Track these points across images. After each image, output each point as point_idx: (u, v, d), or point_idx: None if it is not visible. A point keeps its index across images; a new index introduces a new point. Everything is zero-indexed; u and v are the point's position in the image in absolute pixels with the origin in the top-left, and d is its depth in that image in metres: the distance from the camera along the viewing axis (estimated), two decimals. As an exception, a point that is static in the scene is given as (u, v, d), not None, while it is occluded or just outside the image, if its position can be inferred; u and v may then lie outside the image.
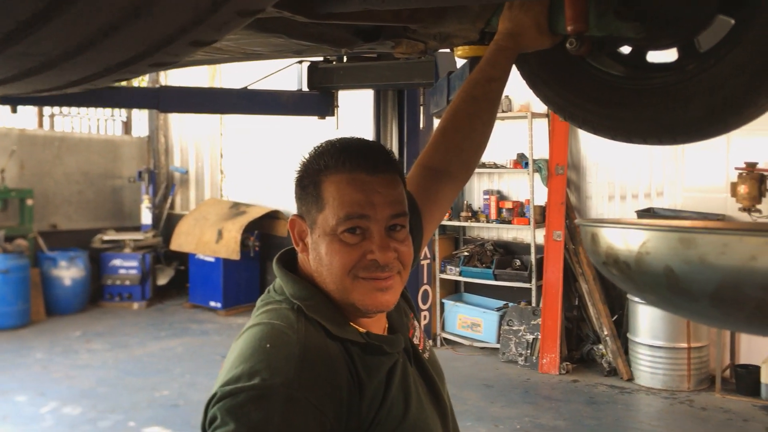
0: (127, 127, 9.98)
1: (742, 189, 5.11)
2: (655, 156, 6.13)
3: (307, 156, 1.19)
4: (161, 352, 6.74)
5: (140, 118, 9.98)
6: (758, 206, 5.16)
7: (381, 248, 1.10)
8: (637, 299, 5.74)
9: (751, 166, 5.18)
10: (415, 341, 1.27)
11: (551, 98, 1.66)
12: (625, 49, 1.65)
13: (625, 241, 0.75)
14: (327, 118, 2.96)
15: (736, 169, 5.28)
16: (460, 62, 2.50)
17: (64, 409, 5.21)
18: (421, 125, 2.82)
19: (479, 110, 1.50)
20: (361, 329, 1.14)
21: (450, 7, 1.60)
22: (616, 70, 1.60)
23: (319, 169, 1.14)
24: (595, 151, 6.46)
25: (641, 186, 6.30)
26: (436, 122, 3.57)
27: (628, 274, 0.78)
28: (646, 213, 5.92)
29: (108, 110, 9.50)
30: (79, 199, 9.07)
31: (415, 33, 1.71)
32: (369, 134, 2.99)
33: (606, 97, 1.59)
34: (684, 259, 0.71)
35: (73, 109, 9.20)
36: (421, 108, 2.82)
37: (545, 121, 6.55)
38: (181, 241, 8.56)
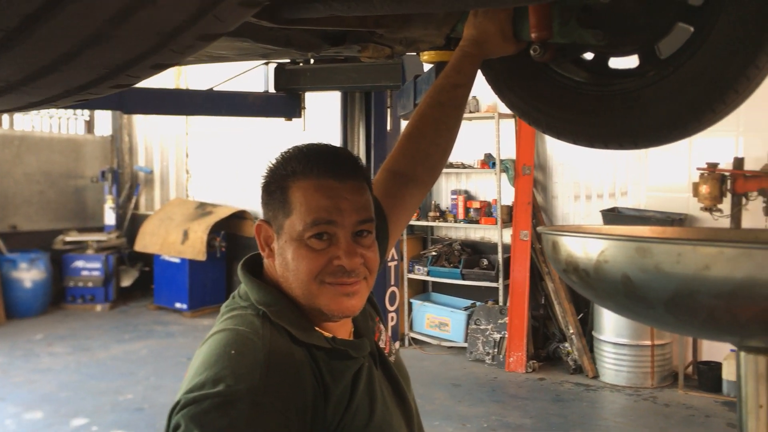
0: (89, 126, 9.81)
1: (704, 189, 5.22)
2: (620, 157, 6.24)
3: (274, 161, 1.20)
4: (125, 355, 6.64)
5: (103, 117, 9.81)
6: (719, 206, 5.28)
7: (347, 254, 1.11)
8: (601, 298, 5.83)
9: (712, 167, 5.29)
10: (381, 345, 1.27)
11: (516, 103, 1.68)
12: (588, 56, 1.68)
13: (585, 249, 0.77)
14: (294, 119, 2.96)
15: (698, 169, 5.39)
16: (427, 65, 2.52)
17: (25, 414, 5.10)
18: (389, 127, 2.82)
19: (445, 116, 1.52)
20: (326, 334, 1.14)
21: (412, 13, 1.60)
22: (578, 76, 1.62)
23: (287, 175, 1.14)
24: (561, 151, 6.55)
25: (606, 186, 6.40)
26: (404, 124, 3.59)
27: (587, 282, 0.79)
28: (611, 213, 6.02)
29: (70, 109, 9.33)
30: (40, 200, 8.88)
31: (381, 37, 1.72)
32: (336, 136, 2.98)
33: (569, 103, 1.61)
34: (640, 267, 0.72)
35: (34, 108, 9.02)
36: (389, 110, 2.82)
37: (512, 121, 6.61)
38: (145, 242, 8.45)
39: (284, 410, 0.99)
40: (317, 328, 1.14)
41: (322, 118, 4.52)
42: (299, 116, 2.95)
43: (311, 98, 3.00)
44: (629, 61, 1.71)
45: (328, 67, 2.71)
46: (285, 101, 2.93)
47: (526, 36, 1.51)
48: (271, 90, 2.95)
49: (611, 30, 1.50)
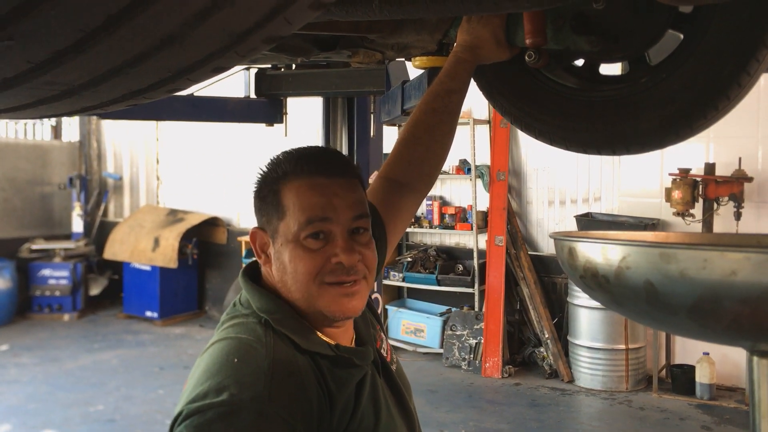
0: (56, 131, 9.62)
1: (676, 194, 5.30)
2: (593, 163, 6.31)
3: (264, 167, 1.18)
4: (94, 365, 6.50)
5: (70, 123, 9.63)
6: (691, 210, 5.37)
7: (345, 250, 1.09)
8: (577, 302, 5.88)
9: (684, 172, 5.38)
10: (383, 352, 1.26)
11: (508, 109, 1.68)
12: (579, 62, 1.69)
13: (605, 255, 0.76)
14: (276, 125, 2.92)
15: (670, 175, 5.47)
16: (412, 71, 2.51)
17: (-8, 428, 4.96)
18: (372, 133, 2.81)
19: (439, 122, 1.51)
20: (329, 341, 1.12)
21: (408, 18, 1.59)
22: (570, 82, 1.63)
23: (278, 178, 1.13)
24: (536, 157, 6.60)
25: (580, 191, 6.47)
26: (387, 130, 3.59)
27: (606, 288, 0.79)
28: (585, 218, 6.08)
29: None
30: (5, 207, 8.66)
31: (372, 43, 1.70)
32: (318, 142, 2.96)
33: (561, 109, 1.62)
34: (664, 273, 0.72)
35: None
36: (372, 116, 2.81)
37: (487, 127, 6.65)
38: (115, 250, 8.30)
39: (289, 419, 0.97)
40: (320, 335, 1.12)
41: (304, 123, 4.49)
42: (281, 122, 2.91)
43: (293, 103, 2.97)
44: (614, 68, 1.73)
45: (311, 73, 2.69)
46: (266, 107, 2.90)
47: (521, 42, 1.51)
48: (252, 95, 2.92)
49: (603, 36, 1.51)
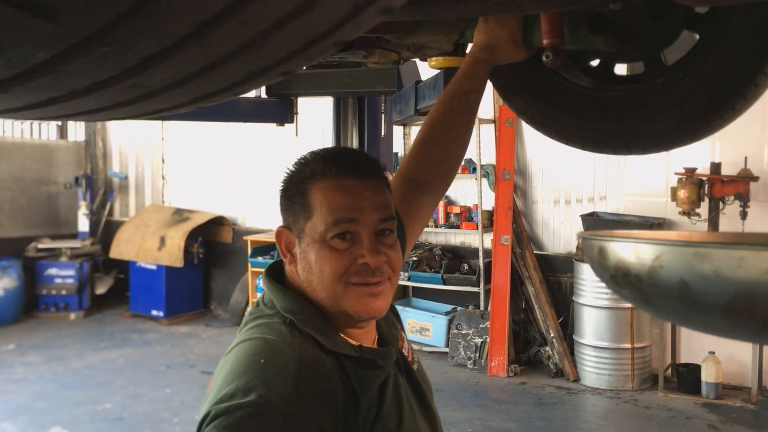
0: (62, 131, 9.64)
1: (682, 193, 5.30)
2: (599, 161, 6.31)
3: (291, 167, 1.19)
4: (101, 364, 6.52)
5: (76, 123, 9.66)
6: (697, 210, 5.37)
7: (371, 252, 1.10)
8: (582, 301, 5.89)
9: (690, 172, 5.38)
10: (404, 353, 1.27)
11: (523, 109, 1.69)
12: (594, 62, 1.69)
13: (638, 255, 0.77)
14: (286, 125, 2.93)
15: (676, 174, 5.48)
16: (423, 71, 2.52)
17: (1, 425, 4.98)
18: (382, 133, 2.81)
19: (457, 122, 1.52)
20: (353, 342, 1.13)
21: (426, 19, 1.60)
22: (586, 82, 1.64)
23: (305, 178, 1.14)
24: (541, 156, 6.61)
25: (585, 191, 6.47)
26: (397, 130, 3.58)
27: (638, 287, 0.79)
28: (590, 217, 6.09)
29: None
30: (11, 206, 8.69)
31: (388, 43, 1.71)
32: (328, 142, 2.97)
33: (577, 109, 1.62)
34: (698, 272, 0.73)
35: (5, 112, 8.82)
36: (383, 116, 2.81)
37: (492, 127, 6.65)
38: (121, 249, 8.32)
39: (317, 419, 0.97)
40: (343, 336, 1.13)
41: (314, 123, 4.50)
42: (292, 121, 2.92)
43: (303, 102, 2.98)
44: (633, 68, 1.73)
45: (322, 72, 2.69)
46: (277, 106, 2.90)
47: (538, 42, 1.52)
48: (263, 95, 2.92)
49: (620, 37, 1.52)
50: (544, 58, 1.50)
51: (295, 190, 1.15)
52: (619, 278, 0.82)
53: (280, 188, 1.19)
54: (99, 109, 0.55)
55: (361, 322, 1.15)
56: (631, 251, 0.78)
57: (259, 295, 1.24)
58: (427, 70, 2.23)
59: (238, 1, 0.41)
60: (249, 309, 1.21)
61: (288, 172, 1.19)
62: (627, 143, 1.60)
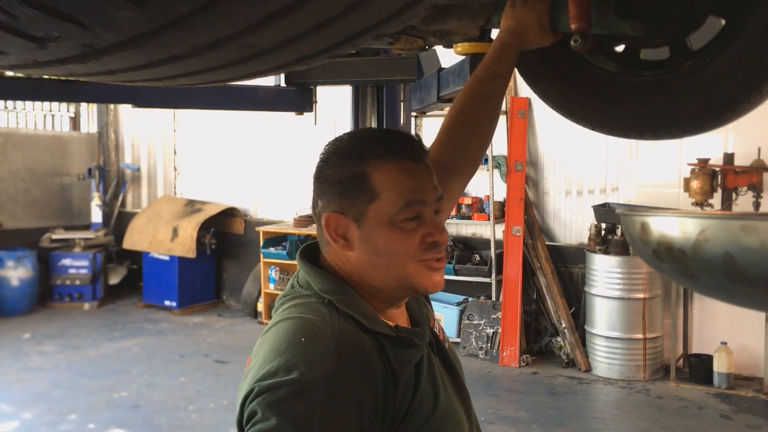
0: (75, 122, 9.69)
1: (695, 184, 5.30)
2: (611, 152, 6.31)
3: (332, 151, 1.18)
4: (116, 353, 6.59)
5: (89, 114, 9.70)
6: (710, 201, 5.37)
7: (438, 230, 1.15)
8: (594, 292, 5.90)
9: (703, 162, 5.38)
10: (436, 332, 1.29)
11: (549, 94, 1.70)
12: (619, 48, 1.70)
13: (683, 229, 0.79)
14: (305, 114, 2.95)
15: (689, 164, 5.47)
16: (444, 59, 2.53)
17: (20, 413, 5.04)
18: (401, 122, 2.83)
19: (485, 106, 1.53)
20: (390, 323, 1.15)
21: (453, 3, 1.62)
22: (612, 67, 1.65)
23: (362, 161, 1.14)
24: (553, 148, 6.61)
25: (597, 181, 6.47)
26: (413, 119, 3.58)
27: (682, 261, 0.81)
28: (602, 208, 6.09)
29: (54, 105, 9.20)
30: (25, 198, 8.75)
31: (414, 29, 1.72)
32: (347, 130, 2.99)
33: (603, 94, 1.64)
34: (744, 245, 0.74)
35: (18, 104, 8.88)
36: (402, 104, 2.83)
37: (504, 118, 6.65)
38: (134, 240, 8.38)
39: (358, 398, 0.99)
40: (381, 317, 1.15)
41: (332, 111, 4.51)
42: (311, 110, 2.94)
43: (321, 91, 3.00)
44: (657, 53, 1.74)
45: (341, 61, 2.71)
46: (296, 95, 2.92)
47: (565, 27, 1.52)
48: (282, 84, 2.94)
49: (647, 21, 1.53)
50: (572, 42, 1.51)
51: (350, 174, 1.14)
52: (662, 252, 0.83)
53: (325, 173, 1.18)
54: (207, 69, 0.57)
55: (402, 301, 1.19)
56: (676, 225, 0.80)
57: (290, 277, 1.25)
58: (447, 58, 2.24)
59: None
60: (284, 290, 1.23)
61: (328, 156, 1.18)
62: (653, 128, 1.61)
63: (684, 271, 0.83)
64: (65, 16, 0.44)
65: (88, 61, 0.52)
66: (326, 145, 1.21)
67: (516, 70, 1.75)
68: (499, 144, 6.64)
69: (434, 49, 2.51)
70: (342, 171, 1.15)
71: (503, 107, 6.61)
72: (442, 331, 1.34)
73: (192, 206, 8.42)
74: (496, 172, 6.66)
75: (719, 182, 5.39)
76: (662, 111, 1.57)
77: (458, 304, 6.79)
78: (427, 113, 5.15)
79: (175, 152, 9.19)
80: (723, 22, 1.56)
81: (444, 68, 2.14)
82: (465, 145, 1.53)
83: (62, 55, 0.52)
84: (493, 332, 6.36)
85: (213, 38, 0.47)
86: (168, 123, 9.12)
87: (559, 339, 6.26)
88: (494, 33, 1.79)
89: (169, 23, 0.45)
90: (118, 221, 9.22)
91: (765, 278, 0.75)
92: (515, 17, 1.54)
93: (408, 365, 1.11)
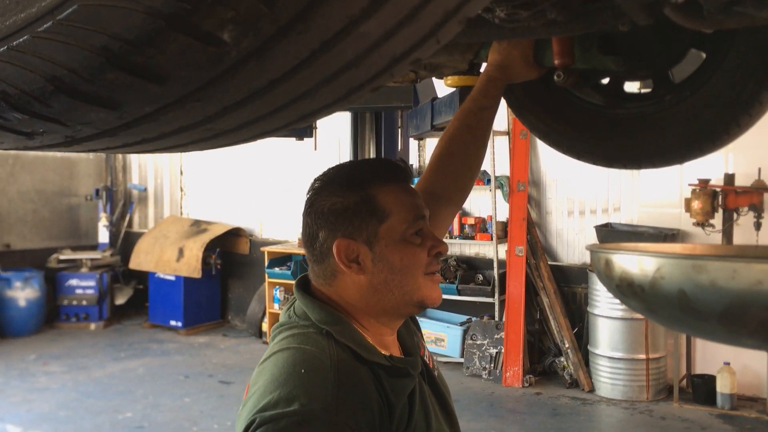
0: (83, 144, 9.80)
1: (696, 204, 5.33)
2: (612, 172, 6.34)
3: (325, 186, 1.22)
4: (121, 374, 6.62)
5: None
6: (711, 221, 5.39)
7: (440, 242, 1.23)
8: (597, 312, 5.91)
9: (703, 183, 5.41)
10: (426, 360, 1.32)
11: (536, 125, 1.75)
12: (604, 80, 1.76)
13: (641, 266, 0.83)
14: (305, 139, 3.01)
15: (690, 185, 5.50)
16: (439, 87, 2.59)
17: (25, 434, 5.08)
18: (399, 148, 2.89)
19: (473, 137, 1.59)
20: (384, 352, 1.18)
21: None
22: (596, 99, 1.70)
23: (364, 186, 1.19)
24: (555, 168, 6.65)
25: (599, 202, 6.50)
26: (412, 144, 3.64)
27: (641, 297, 0.86)
28: (604, 228, 6.12)
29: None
30: (34, 218, 8.86)
31: (406, 63, 1.78)
32: (346, 156, 3.05)
33: (588, 125, 1.69)
34: (696, 283, 0.79)
35: (28, 126, 9.00)
36: (399, 131, 2.89)
37: (506, 138, 6.71)
38: (140, 260, 8.44)
39: (357, 429, 1.01)
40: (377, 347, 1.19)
41: (332, 137, 4.58)
42: (311, 136, 3.00)
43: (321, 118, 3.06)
44: (641, 85, 1.80)
45: (340, 89, 2.77)
46: (296, 121, 2.99)
47: (549, 62, 1.58)
48: (283, 110, 3.00)
49: (629, 56, 1.58)
50: (555, 77, 1.56)
51: (357, 198, 1.18)
52: (624, 288, 0.88)
53: (318, 206, 1.21)
54: (177, 145, 0.63)
55: (400, 323, 1.25)
56: (635, 263, 0.85)
57: (282, 308, 1.29)
58: (442, 86, 2.30)
59: (300, 64, 0.49)
60: (280, 319, 1.27)
61: (320, 190, 1.22)
62: (636, 159, 1.66)
63: (645, 306, 0.88)
64: (49, 119, 0.51)
65: (71, 145, 0.61)
66: (314, 182, 1.25)
67: (504, 101, 1.81)
68: (501, 164, 6.70)
69: (430, 78, 2.57)
70: (346, 198, 1.18)
71: (506, 128, 6.70)
72: (432, 358, 1.38)
73: (198, 226, 8.50)
74: (499, 192, 6.71)
75: (720, 202, 5.41)
76: (645, 142, 1.62)
77: (462, 323, 6.81)
78: (429, 138, 5.20)
79: (181, 172, 9.29)
80: (704, 55, 1.62)
81: (438, 97, 2.21)
82: (454, 174, 1.58)
83: (48, 143, 0.61)
84: (497, 352, 6.38)
85: (177, 126, 0.53)
86: (175, 144, 9.21)
87: (562, 359, 6.26)
88: (483, 66, 1.85)
89: (137, 119, 0.51)
90: (125, 241, 9.30)
91: (716, 314, 0.79)
92: (502, 52, 1.59)
93: (402, 395, 1.14)
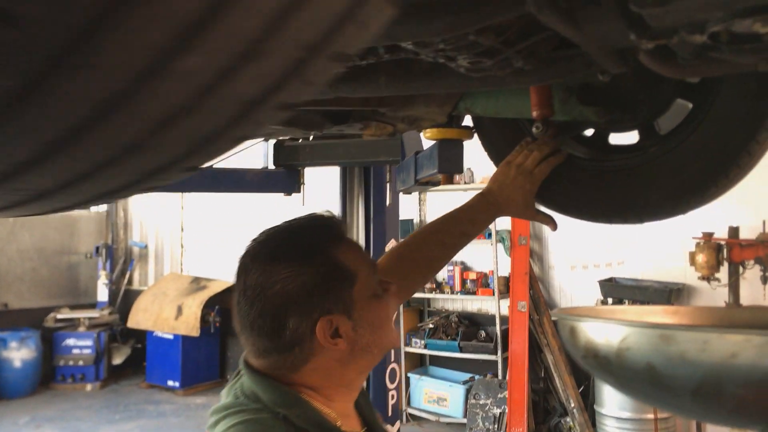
0: (85, 201, 9.82)
1: (701, 258, 5.21)
2: (616, 226, 6.24)
3: (278, 271, 1.07)
4: (115, 437, 6.44)
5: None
6: (717, 275, 5.26)
7: (390, 283, 1.19)
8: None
9: (707, 236, 5.30)
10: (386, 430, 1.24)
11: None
12: (588, 132, 1.70)
13: (606, 336, 0.74)
14: (293, 194, 2.96)
15: (694, 238, 5.40)
16: (426, 140, 2.55)
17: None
18: (388, 202, 2.83)
19: (442, 255, 1.55)
20: (345, 430, 1.10)
21: (416, 93, 1.63)
22: (580, 152, 1.64)
23: (324, 253, 1.09)
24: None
25: (602, 256, 6.39)
26: (403, 198, 3.60)
27: (608, 370, 0.77)
28: (608, 283, 5.99)
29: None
30: (32, 277, 8.79)
31: (383, 116, 1.73)
32: (335, 210, 2.99)
33: (572, 179, 1.62)
34: (665, 355, 0.70)
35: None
36: (388, 185, 2.84)
37: (506, 193, 6.65)
38: (138, 318, 8.33)
39: None
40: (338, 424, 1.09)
41: (321, 191, 4.54)
42: (298, 191, 2.95)
43: (310, 170, 3.02)
44: (625, 137, 1.73)
45: (328, 143, 2.73)
46: (284, 177, 2.94)
47: (527, 113, 1.53)
48: (271, 166, 2.97)
49: (611, 107, 1.52)
50: (534, 129, 1.51)
51: (325, 269, 1.06)
52: (590, 360, 0.79)
53: (281, 295, 1.05)
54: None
55: (363, 382, 1.21)
56: (600, 332, 0.76)
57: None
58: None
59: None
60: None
61: (272, 276, 1.07)
62: (622, 213, 1.59)
63: (614, 379, 0.79)
64: None
65: None
66: (247, 263, 1.12)
67: (486, 154, 1.76)
68: (502, 218, 6.61)
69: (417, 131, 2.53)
70: (310, 271, 1.05)
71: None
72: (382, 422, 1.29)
73: (197, 283, 8.40)
74: (500, 246, 6.61)
75: (725, 256, 5.29)
76: (631, 196, 1.55)
77: (464, 382, 6.62)
78: (420, 191, 5.15)
79: (182, 229, 9.25)
80: (690, 105, 1.55)
81: (421, 151, 2.15)
82: (411, 279, 1.51)
83: None
84: (501, 412, 6.17)
85: None
86: (176, 200, 9.22)
87: (568, 419, 6.05)
88: (464, 119, 1.80)
89: None
90: (124, 299, 9.20)
91: (689, 390, 0.70)
92: (503, 190, 1.55)
93: None
